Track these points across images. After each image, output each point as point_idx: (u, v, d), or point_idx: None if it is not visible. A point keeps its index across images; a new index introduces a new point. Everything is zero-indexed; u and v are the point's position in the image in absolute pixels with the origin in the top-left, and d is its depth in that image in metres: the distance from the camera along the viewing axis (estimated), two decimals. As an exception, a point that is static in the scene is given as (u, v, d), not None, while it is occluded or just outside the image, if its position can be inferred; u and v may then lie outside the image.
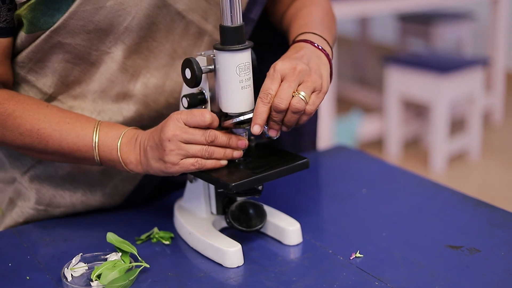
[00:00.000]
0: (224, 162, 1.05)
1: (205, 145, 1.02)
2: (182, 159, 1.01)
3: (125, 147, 1.07)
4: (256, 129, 1.00)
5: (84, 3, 1.07)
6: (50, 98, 1.16)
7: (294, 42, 1.14)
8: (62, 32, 1.09)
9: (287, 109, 1.00)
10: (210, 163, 1.03)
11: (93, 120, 1.11)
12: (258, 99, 1.00)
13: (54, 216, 1.24)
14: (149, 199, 1.32)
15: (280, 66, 1.02)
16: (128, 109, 1.18)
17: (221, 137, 1.03)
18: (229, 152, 1.05)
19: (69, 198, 1.22)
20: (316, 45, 1.11)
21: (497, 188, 3.55)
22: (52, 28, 1.09)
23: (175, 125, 1.01)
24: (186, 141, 1.01)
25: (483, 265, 1.02)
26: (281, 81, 1.01)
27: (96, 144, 1.08)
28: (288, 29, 1.24)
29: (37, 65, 1.14)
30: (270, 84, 1.00)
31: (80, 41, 1.11)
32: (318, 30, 1.15)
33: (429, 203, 1.27)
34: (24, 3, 1.06)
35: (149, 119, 1.20)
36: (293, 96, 1.00)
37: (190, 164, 1.02)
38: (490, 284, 0.97)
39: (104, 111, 1.17)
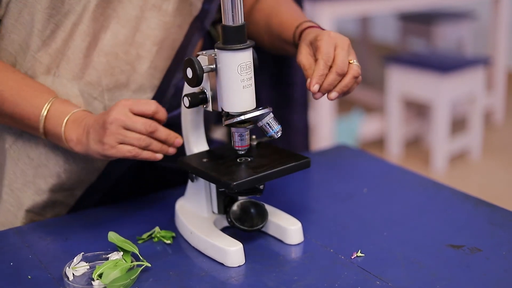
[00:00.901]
0: (160, 156, 1.09)
1: (144, 135, 1.05)
2: (119, 143, 1.05)
3: (70, 124, 1.10)
4: (315, 88, 1.05)
5: None
6: (25, 56, 1.17)
7: (302, 30, 1.18)
8: None
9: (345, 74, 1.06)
10: (146, 154, 1.07)
11: (51, 94, 1.14)
12: (320, 61, 1.05)
13: (44, 189, 1.23)
14: (146, 192, 1.33)
15: (334, 34, 1.09)
16: (99, 61, 1.18)
17: (161, 131, 1.07)
18: (165, 148, 1.09)
19: (53, 168, 1.22)
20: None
21: (498, 188, 3.55)
22: None
23: (120, 110, 1.04)
24: (127, 127, 1.04)
25: (484, 265, 1.02)
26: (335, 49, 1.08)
27: (43, 117, 1.12)
28: (273, 25, 1.29)
29: (18, 19, 1.15)
30: (330, 49, 1.06)
31: None
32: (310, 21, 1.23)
33: (430, 202, 1.27)
34: None
35: (121, 72, 1.20)
36: (349, 63, 1.07)
37: (126, 150, 1.05)
38: (491, 284, 0.97)
39: (76, 65, 1.18)
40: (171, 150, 1.11)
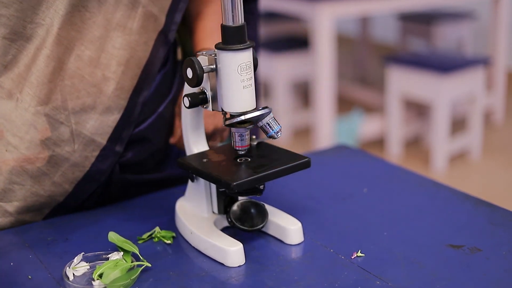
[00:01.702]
0: None
1: None
2: None
3: None
4: None
5: None
6: None
7: None
8: None
9: None
10: None
11: None
12: None
13: (10, 212, 1.21)
14: (134, 194, 1.33)
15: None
16: (64, 85, 1.16)
17: None
18: None
19: (19, 192, 1.20)
20: None
21: (498, 188, 3.55)
22: None
23: None
24: None
25: (484, 265, 1.03)
26: None
27: None
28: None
29: None
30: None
31: (14, 12, 1.10)
32: None
33: (430, 202, 1.27)
34: None
35: (88, 95, 1.18)
36: None
37: None
38: (491, 284, 0.97)
39: (40, 90, 1.15)
40: None
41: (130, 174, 1.31)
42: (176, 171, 1.39)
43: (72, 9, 1.14)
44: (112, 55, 1.19)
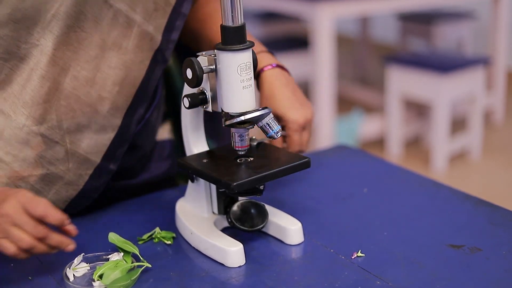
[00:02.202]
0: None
1: (32, 237, 1.00)
2: (1, 237, 1.00)
3: None
4: None
5: None
6: None
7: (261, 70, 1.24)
8: None
9: None
10: (25, 255, 1.01)
11: None
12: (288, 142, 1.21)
13: None
14: (119, 198, 1.32)
15: (302, 116, 1.25)
16: (59, 105, 1.15)
17: (52, 238, 1.00)
18: (50, 250, 1.03)
19: None
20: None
21: (498, 187, 3.55)
22: None
23: (14, 206, 0.99)
24: (15, 225, 0.99)
25: (484, 264, 1.03)
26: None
27: None
28: (209, 33, 1.32)
29: None
30: (297, 135, 1.24)
31: (8, 32, 1.09)
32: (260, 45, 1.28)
33: (430, 202, 1.27)
34: None
35: (83, 115, 1.17)
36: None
37: (7, 248, 0.99)
38: (491, 283, 0.98)
39: (35, 110, 1.13)
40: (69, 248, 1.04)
41: (118, 180, 1.31)
42: (160, 169, 1.39)
43: (68, 30, 1.13)
44: (108, 74, 1.18)
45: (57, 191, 1.19)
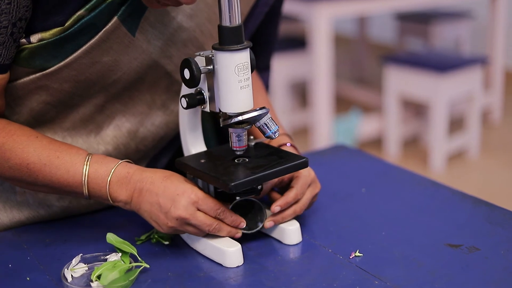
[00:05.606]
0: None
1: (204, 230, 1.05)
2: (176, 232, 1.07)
3: (114, 186, 1.06)
4: (276, 209, 1.10)
5: (83, 56, 1.08)
6: None
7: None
8: (53, 77, 1.09)
9: None
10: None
11: (83, 154, 1.08)
12: (293, 192, 1.12)
13: (47, 217, 1.23)
14: None
15: (311, 174, 1.17)
16: (97, 149, 1.19)
17: (223, 230, 1.06)
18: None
19: (57, 202, 1.21)
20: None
21: (496, 187, 3.55)
22: (44, 72, 1.08)
23: (186, 208, 1.02)
24: (190, 224, 1.04)
25: (482, 264, 1.03)
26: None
27: (86, 182, 1.07)
28: None
29: (15, 102, 1.12)
30: (304, 188, 1.14)
31: (67, 87, 1.11)
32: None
33: (428, 202, 1.27)
34: (27, 43, 1.06)
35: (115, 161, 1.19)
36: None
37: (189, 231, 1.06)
38: (489, 282, 0.98)
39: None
40: (238, 235, 1.09)
41: None
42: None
43: (124, 90, 1.17)
44: (150, 131, 1.23)
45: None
